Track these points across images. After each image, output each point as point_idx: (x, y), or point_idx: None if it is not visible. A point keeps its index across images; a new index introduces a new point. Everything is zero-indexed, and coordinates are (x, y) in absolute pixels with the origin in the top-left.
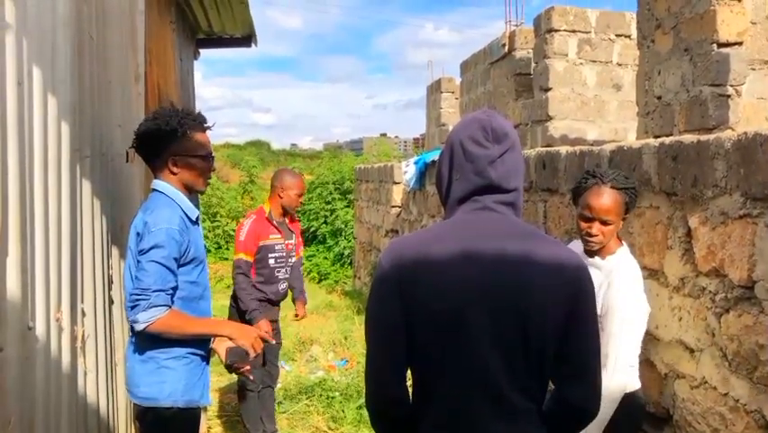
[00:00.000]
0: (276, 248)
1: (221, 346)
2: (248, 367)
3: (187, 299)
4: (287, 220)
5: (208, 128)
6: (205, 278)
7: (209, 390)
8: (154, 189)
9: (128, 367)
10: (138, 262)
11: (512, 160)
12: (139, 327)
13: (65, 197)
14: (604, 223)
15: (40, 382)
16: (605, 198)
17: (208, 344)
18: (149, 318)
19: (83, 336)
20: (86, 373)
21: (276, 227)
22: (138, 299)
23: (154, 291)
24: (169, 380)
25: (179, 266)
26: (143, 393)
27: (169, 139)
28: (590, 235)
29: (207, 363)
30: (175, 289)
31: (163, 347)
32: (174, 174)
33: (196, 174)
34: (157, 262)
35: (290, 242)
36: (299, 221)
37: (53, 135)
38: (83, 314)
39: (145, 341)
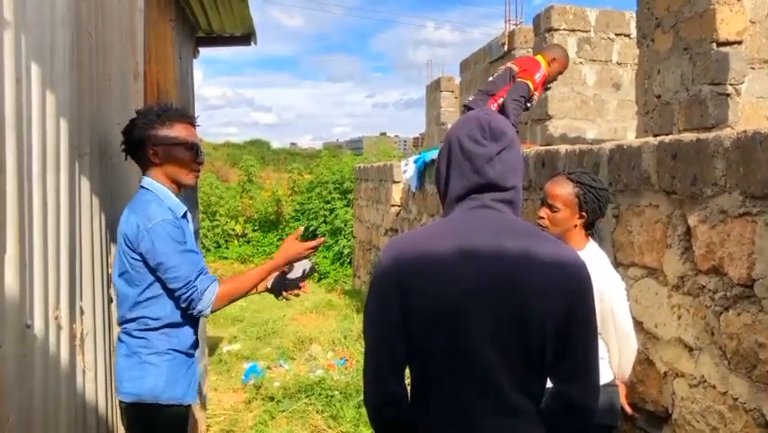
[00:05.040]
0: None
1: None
2: (301, 286)
3: None
4: None
5: (192, 122)
6: None
7: (196, 388)
8: (141, 186)
9: (115, 364)
10: (159, 264)
11: (510, 158)
12: (207, 313)
13: (63, 194)
14: (550, 207)
15: (38, 381)
16: (555, 185)
17: (194, 340)
18: (208, 303)
19: (82, 334)
20: (84, 372)
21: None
22: (189, 296)
23: (195, 279)
24: (149, 375)
25: None
26: (126, 389)
27: (148, 128)
28: (539, 217)
29: (194, 359)
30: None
31: (146, 343)
32: (157, 165)
33: (180, 165)
34: (176, 252)
35: None
36: None
37: (52, 133)
38: (82, 312)
39: (129, 337)
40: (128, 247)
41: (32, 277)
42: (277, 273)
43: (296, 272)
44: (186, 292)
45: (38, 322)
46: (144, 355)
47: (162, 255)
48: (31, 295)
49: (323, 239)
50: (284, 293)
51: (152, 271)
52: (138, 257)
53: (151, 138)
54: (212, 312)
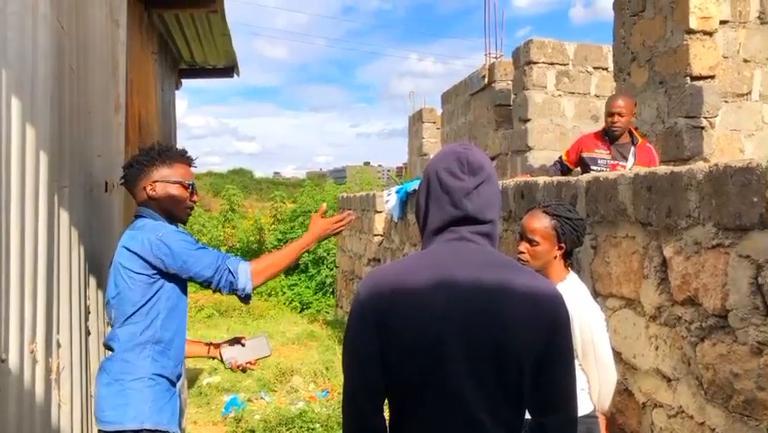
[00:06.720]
0: (598, 161)
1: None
2: (248, 361)
3: (174, 309)
4: (631, 141)
5: (190, 162)
6: (185, 295)
7: (178, 417)
8: (138, 216)
9: (96, 393)
10: (183, 264)
11: (487, 192)
12: (249, 289)
13: (42, 226)
14: (530, 242)
15: (13, 415)
16: (532, 219)
17: (178, 369)
18: (246, 279)
19: (58, 367)
20: (60, 406)
21: (604, 144)
22: (225, 279)
23: (223, 262)
24: (133, 402)
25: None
26: (108, 417)
27: (149, 164)
28: (520, 252)
29: (176, 389)
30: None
31: (129, 367)
32: (153, 200)
33: (176, 202)
34: (194, 249)
35: (619, 163)
36: (647, 142)
37: (31, 165)
38: (58, 345)
39: (112, 362)
40: (139, 258)
41: (7, 310)
42: (232, 344)
43: (252, 350)
44: (219, 277)
45: (13, 356)
46: (127, 382)
47: (183, 254)
48: (6, 328)
49: (351, 212)
50: (233, 364)
51: (159, 277)
52: (143, 270)
53: (151, 174)
54: (254, 286)
